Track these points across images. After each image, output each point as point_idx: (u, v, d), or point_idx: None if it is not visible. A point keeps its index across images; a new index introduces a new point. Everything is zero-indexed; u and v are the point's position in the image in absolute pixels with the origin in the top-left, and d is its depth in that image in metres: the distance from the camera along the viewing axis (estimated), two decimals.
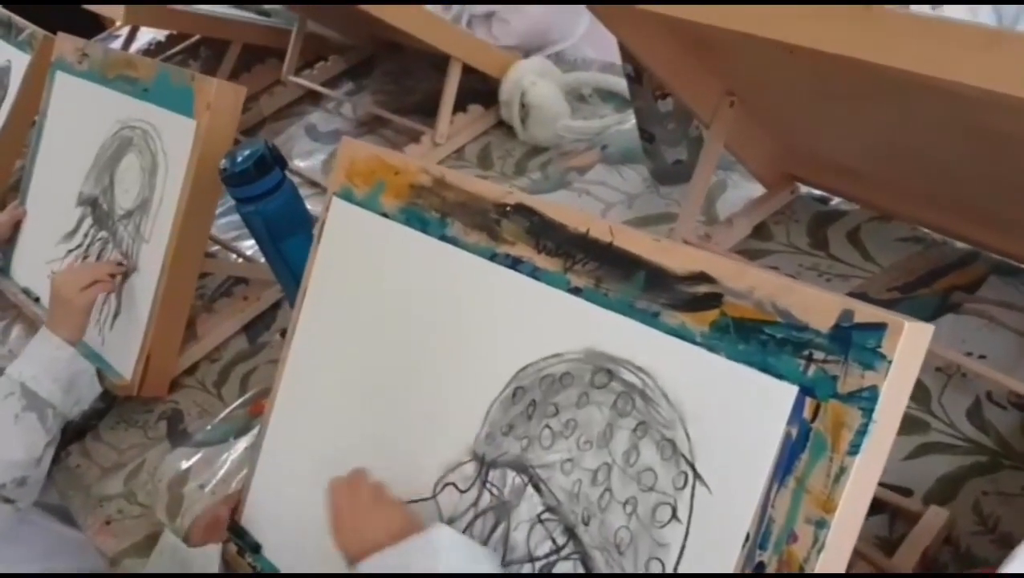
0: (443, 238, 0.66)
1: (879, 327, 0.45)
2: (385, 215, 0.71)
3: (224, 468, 0.90)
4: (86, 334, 1.08)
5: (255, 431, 0.93)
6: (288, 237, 0.97)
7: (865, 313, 0.45)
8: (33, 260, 1.24)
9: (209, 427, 0.96)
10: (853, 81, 0.64)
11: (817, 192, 0.95)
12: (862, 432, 0.45)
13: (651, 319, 0.53)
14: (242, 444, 0.92)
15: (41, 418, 0.93)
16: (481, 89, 1.29)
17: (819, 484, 0.46)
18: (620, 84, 1.28)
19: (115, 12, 1.50)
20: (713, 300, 0.51)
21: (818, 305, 0.47)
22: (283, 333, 1.06)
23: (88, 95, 1.19)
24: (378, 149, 0.73)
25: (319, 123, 1.48)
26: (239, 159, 0.93)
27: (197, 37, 1.77)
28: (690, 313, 0.52)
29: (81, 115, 1.21)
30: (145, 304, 1.01)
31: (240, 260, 1.19)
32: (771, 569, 0.46)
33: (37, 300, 1.20)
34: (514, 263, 0.61)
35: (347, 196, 0.74)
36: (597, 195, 1.08)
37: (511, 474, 0.59)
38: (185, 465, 0.93)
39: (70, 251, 1.17)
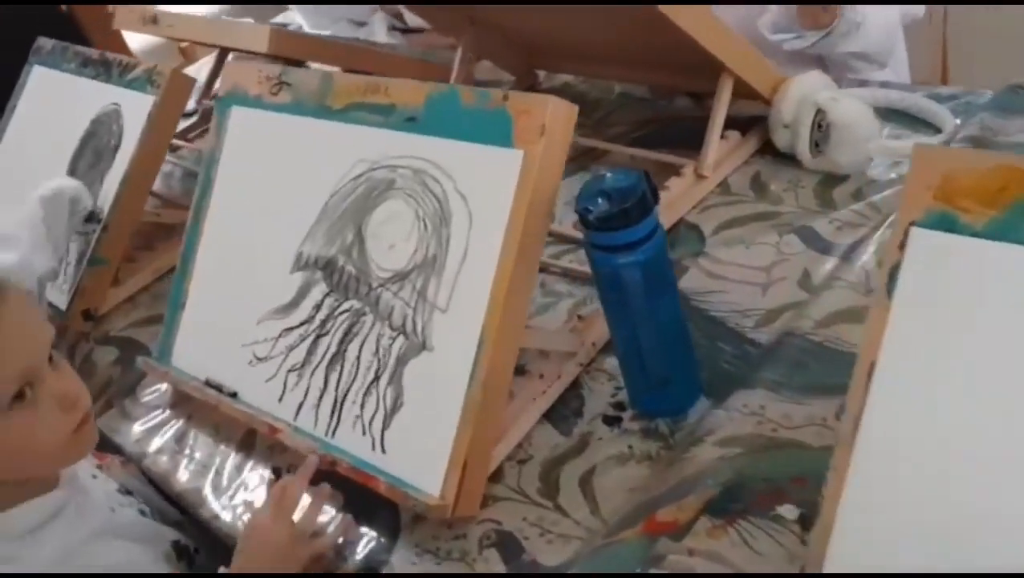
0: None
1: None
2: None
3: None
4: (340, 439, 0.83)
5: (673, 559, 0.68)
6: (664, 292, 0.74)
7: None
8: (218, 344, 0.97)
9: (587, 556, 0.71)
10: None
11: None
12: None
13: None
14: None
15: None
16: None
17: None
18: (908, 101, 1.11)
19: (256, 40, 1.25)
20: None
21: None
22: (607, 420, 0.83)
23: (298, 134, 0.95)
24: (1003, 156, 0.51)
25: None
26: (614, 196, 0.70)
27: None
28: None
29: (286, 159, 0.96)
30: (453, 393, 0.76)
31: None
32: None
33: (235, 395, 0.94)
34: None
35: (945, 224, 0.52)
36: None
37: None
38: None
39: (290, 329, 0.91)
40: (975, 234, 0.51)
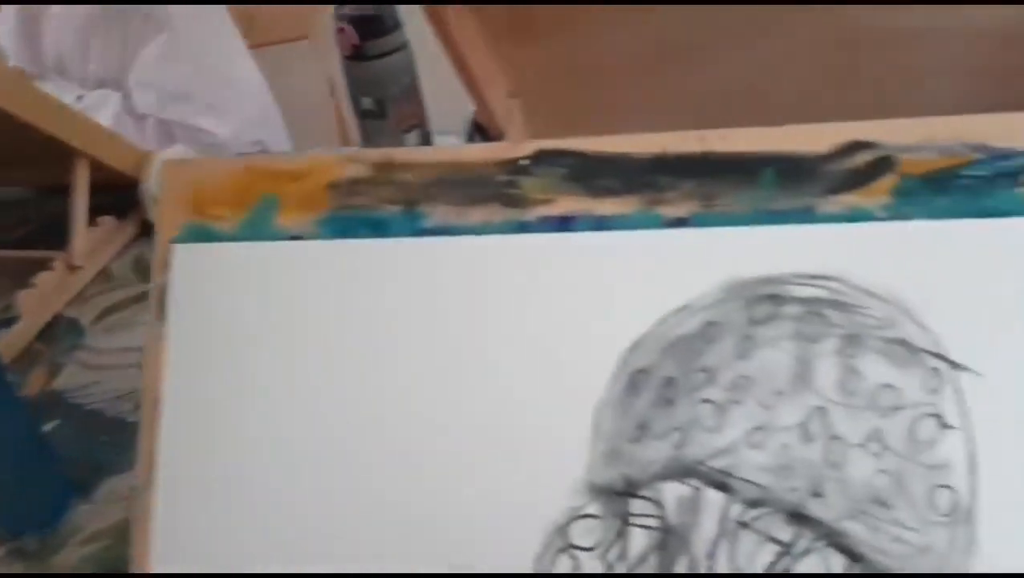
0: (422, 232, 0.47)
1: None
2: (296, 237, 0.49)
3: None
4: None
5: None
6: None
7: None
8: None
9: None
10: None
11: None
12: None
13: (804, 216, 0.44)
14: None
15: None
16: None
17: None
18: None
19: None
20: (884, 165, 0.43)
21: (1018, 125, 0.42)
22: None
23: None
24: (247, 158, 0.51)
25: None
26: None
27: None
28: (856, 191, 0.43)
29: None
30: None
31: None
32: None
33: None
34: (561, 224, 0.46)
35: (201, 235, 0.50)
36: None
37: (669, 488, 0.43)
38: None
39: None
40: (230, 239, 0.50)
